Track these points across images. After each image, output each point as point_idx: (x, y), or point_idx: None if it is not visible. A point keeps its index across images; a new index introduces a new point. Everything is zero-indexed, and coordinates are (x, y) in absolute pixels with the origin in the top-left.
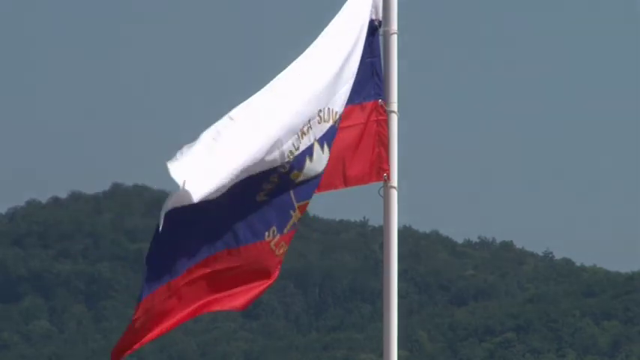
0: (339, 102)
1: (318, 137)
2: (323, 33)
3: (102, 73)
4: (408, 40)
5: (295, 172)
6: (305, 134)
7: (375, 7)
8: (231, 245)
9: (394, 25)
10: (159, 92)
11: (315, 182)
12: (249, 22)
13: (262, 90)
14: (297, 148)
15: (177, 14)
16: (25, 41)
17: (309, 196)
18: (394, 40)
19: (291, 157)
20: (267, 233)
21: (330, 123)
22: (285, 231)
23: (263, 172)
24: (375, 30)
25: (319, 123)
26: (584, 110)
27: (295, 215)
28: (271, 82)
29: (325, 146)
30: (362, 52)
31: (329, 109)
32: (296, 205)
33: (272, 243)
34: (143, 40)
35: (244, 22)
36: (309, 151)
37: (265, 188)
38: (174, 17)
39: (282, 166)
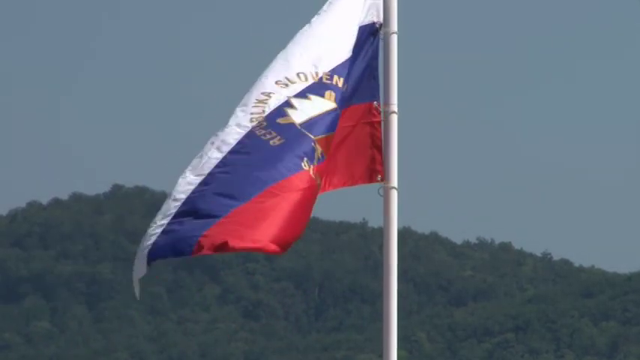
0: (325, 63)
1: (294, 94)
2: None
3: (101, 74)
4: (406, 41)
5: (281, 118)
6: (279, 91)
7: (376, 9)
8: (273, 181)
9: (394, 26)
10: (158, 94)
11: (327, 117)
12: (252, 23)
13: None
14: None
15: (180, 12)
16: (28, 43)
17: (328, 130)
18: (394, 40)
19: (267, 111)
20: (302, 164)
21: (310, 82)
22: (315, 162)
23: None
24: (375, 32)
25: (296, 83)
26: (581, 111)
27: (318, 147)
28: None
29: (313, 96)
30: (361, 53)
31: (311, 72)
32: (314, 137)
33: (310, 171)
34: (142, 40)
35: (246, 23)
36: (286, 104)
37: (272, 135)
38: (177, 15)
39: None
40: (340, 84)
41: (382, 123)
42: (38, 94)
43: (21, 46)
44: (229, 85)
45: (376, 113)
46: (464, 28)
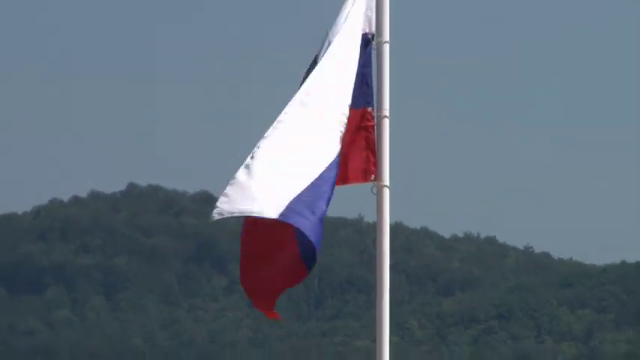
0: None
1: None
2: (328, 48)
3: (115, 80)
4: (399, 49)
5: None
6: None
7: (368, 21)
8: None
9: (386, 35)
10: (172, 98)
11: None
12: (256, 27)
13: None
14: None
15: (198, 16)
16: (51, 49)
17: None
18: (386, 49)
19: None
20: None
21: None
22: None
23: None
24: (368, 43)
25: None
26: (564, 114)
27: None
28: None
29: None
30: (354, 63)
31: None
32: None
33: None
34: (155, 42)
35: (251, 28)
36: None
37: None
38: (195, 18)
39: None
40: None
41: (375, 127)
42: (56, 96)
43: (24, 45)
44: (237, 88)
45: (370, 118)
46: (452, 36)
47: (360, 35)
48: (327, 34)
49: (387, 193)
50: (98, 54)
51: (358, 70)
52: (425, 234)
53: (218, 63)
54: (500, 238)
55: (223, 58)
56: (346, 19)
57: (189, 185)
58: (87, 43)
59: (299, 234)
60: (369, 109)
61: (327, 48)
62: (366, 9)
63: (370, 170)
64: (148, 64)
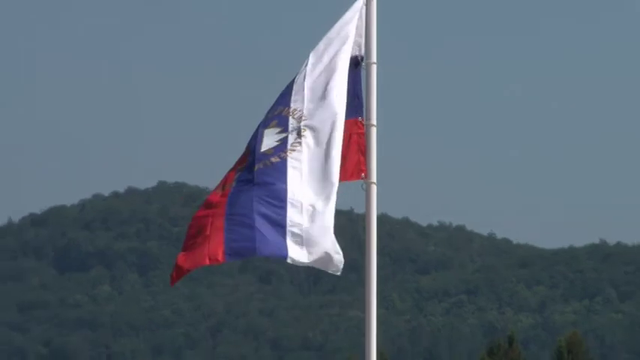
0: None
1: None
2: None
3: (141, 85)
4: (385, 69)
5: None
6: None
7: (359, 45)
8: None
9: (374, 57)
10: (196, 104)
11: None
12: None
13: None
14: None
15: (230, 20)
16: (86, 50)
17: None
18: (374, 69)
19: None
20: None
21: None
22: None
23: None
24: (358, 64)
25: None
26: (522, 108)
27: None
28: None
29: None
30: (347, 81)
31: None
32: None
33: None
34: (195, 43)
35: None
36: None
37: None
38: (231, 22)
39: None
40: (285, 112)
41: (365, 134)
42: (98, 103)
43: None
44: (252, 88)
45: (361, 126)
46: (429, 57)
47: (350, 59)
48: (309, 56)
49: (374, 189)
50: (142, 56)
51: (350, 86)
52: (405, 223)
53: (243, 64)
54: (468, 227)
55: (249, 60)
56: (341, 43)
57: (209, 182)
58: (133, 44)
59: (229, 230)
60: (360, 118)
61: (310, 68)
62: (356, 35)
63: (361, 170)
64: (182, 71)
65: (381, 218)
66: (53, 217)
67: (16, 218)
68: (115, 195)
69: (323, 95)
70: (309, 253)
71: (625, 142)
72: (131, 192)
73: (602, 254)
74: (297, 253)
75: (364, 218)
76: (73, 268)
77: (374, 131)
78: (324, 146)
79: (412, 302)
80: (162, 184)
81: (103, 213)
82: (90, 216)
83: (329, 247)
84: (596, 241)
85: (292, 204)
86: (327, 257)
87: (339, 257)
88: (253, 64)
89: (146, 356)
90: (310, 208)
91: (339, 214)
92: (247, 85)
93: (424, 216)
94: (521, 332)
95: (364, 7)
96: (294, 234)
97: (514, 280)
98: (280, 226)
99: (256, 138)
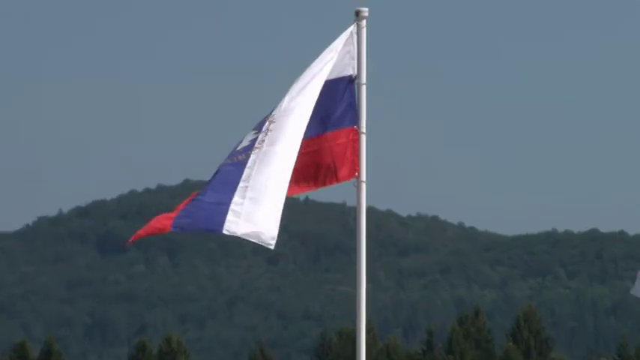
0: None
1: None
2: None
3: (164, 90)
4: (372, 87)
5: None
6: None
7: (352, 66)
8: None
9: (364, 79)
10: (215, 107)
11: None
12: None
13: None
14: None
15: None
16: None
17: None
18: (364, 89)
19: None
20: None
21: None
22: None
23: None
24: (352, 82)
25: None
26: (488, 118)
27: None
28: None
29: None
30: (344, 95)
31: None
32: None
33: None
34: (217, 44)
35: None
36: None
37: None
38: (246, 26)
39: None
40: (266, 117)
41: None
42: (139, 113)
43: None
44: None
45: (356, 133)
46: (420, 71)
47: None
48: (304, 75)
49: (364, 186)
50: (169, 57)
51: (347, 100)
52: (389, 214)
53: (264, 66)
54: (441, 217)
55: (269, 61)
56: (335, 64)
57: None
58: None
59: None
60: (355, 127)
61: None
62: (350, 58)
63: (355, 170)
64: (206, 72)
65: (369, 210)
66: (96, 209)
67: (65, 210)
68: (147, 191)
69: (290, 108)
70: (245, 227)
71: (575, 143)
72: (160, 189)
73: (553, 240)
74: (233, 227)
75: (354, 210)
76: (113, 252)
77: (364, 138)
78: (280, 146)
79: (395, 280)
80: (186, 182)
81: (137, 206)
82: (126, 208)
83: (266, 226)
84: (549, 229)
85: (242, 188)
86: (261, 233)
87: (271, 234)
88: (278, 64)
89: (174, 325)
90: (256, 194)
91: (334, 206)
92: (272, 85)
93: (405, 208)
94: (486, 305)
95: (355, 35)
96: (234, 211)
97: (479, 261)
98: (224, 204)
99: (241, 139)
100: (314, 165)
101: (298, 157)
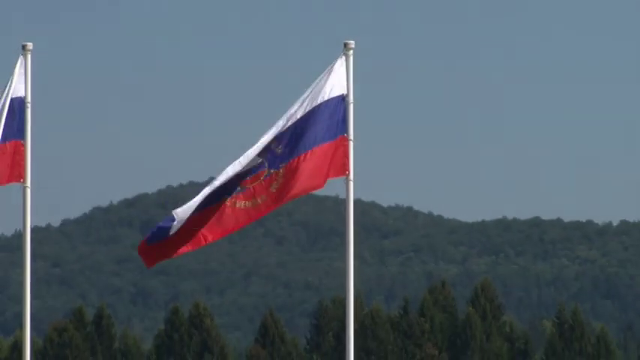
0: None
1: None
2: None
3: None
4: (361, 103)
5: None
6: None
7: (343, 86)
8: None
9: (351, 97)
10: (224, 111)
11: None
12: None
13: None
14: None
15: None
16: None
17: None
18: (351, 107)
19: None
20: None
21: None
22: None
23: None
24: (343, 99)
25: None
26: (456, 119)
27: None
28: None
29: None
30: (337, 110)
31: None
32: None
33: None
34: (239, 51)
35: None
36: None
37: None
38: (252, 28)
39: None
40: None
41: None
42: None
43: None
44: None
45: (346, 140)
46: (405, 84)
47: (336, 94)
48: (305, 95)
49: (352, 183)
50: (186, 62)
51: (339, 115)
52: (373, 205)
53: (285, 66)
54: (415, 207)
55: (287, 61)
56: (329, 84)
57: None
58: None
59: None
60: (345, 134)
61: (308, 103)
62: (341, 79)
63: (346, 169)
64: (255, 71)
65: (356, 202)
66: (140, 200)
67: (115, 201)
68: (181, 186)
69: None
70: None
71: (521, 137)
72: (191, 184)
73: (504, 225)
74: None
75: (345, 201)
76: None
77: (351, 144)
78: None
79: (377, 258)
80: (211, 179)
81: (173, 197)
82: (164, 200)
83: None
84: (500, 216)
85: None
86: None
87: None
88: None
89: (201, 293)
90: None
91: (328, 198)
92: (283, 85)
93: (385, 200)
94: (451, 278)
95: (345, 63)
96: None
97: (445, 242)
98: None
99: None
100: (316, 166)
101: (303, 163)
